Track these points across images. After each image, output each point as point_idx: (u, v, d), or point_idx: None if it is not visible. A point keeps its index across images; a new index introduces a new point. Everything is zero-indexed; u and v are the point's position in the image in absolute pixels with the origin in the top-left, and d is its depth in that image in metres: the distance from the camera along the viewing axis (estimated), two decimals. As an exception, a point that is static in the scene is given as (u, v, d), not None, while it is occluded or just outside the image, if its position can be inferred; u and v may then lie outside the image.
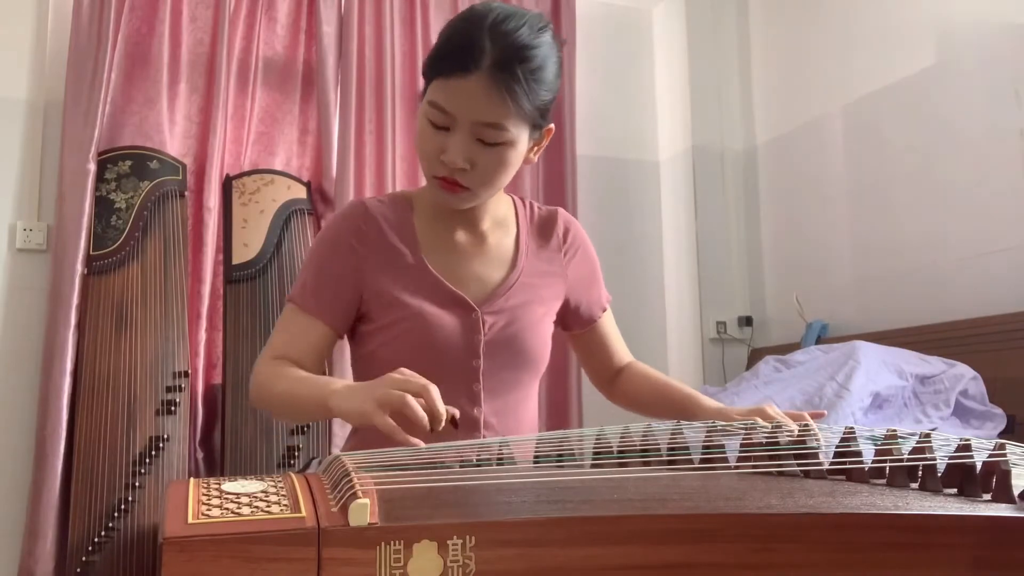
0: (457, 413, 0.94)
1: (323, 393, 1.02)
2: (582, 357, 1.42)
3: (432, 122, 1.11)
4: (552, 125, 1.20)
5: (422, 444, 0.86)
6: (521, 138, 1.13)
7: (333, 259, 1.21)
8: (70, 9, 2.70)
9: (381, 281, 1.20)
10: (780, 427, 0.96)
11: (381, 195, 1.31)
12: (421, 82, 1.19)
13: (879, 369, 2.33)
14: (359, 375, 1.27)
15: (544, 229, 1.32)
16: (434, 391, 0.92)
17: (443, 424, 0.91)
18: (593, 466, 0.85)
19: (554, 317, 1.31)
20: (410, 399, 0.90)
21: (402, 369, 0.96)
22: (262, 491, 0.68)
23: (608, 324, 1.39)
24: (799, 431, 0.95)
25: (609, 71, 3.61)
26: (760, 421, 1.02)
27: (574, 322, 1.36)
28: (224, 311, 2.73)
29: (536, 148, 1.20)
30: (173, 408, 2.55)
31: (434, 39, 1.17)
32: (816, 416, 1.07)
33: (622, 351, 1.40)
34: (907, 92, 2.86)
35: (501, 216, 1.29)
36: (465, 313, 1.21)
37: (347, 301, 1.21)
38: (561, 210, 1.36)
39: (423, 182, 1.26)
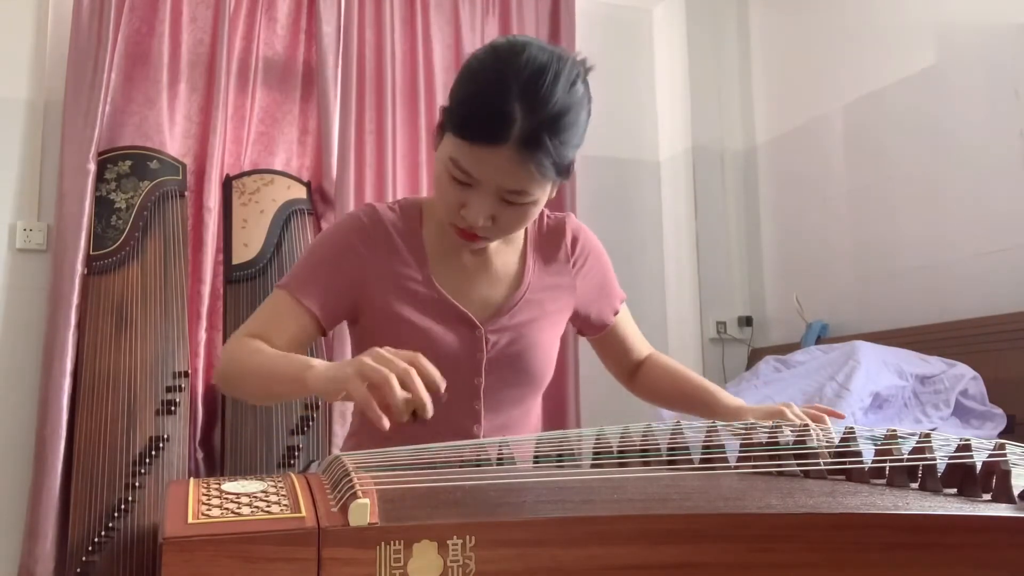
0: (430, 406, 0.88)
1: (300, 367, 0.99)
2: (601, 355, 1.43)
3: (453, 177, 1.07)
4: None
5: (387, 426, 0.84)
6: (544, 194, 1.11)
7: (333, 255, 1.19)
8: (70, 9, 2.70)
9: (383, 292, 1.18)
10: (781, 428, 0.96)
11: (392, 202, 1.26)
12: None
13: (879, 369, 2.33)
14: None
15: (552, 240, 1.29)
16: (417, 378, 0.87)
17: (429, 412, 0.86)
18: (593, 466, 0.84)
19: (562, 330, 1.30)
20: (394, 380, 0.85)
21: (389, 348, 0.91)
22: (262, 491, 0.68)
23: (622, 324, 1.38)
24: (816, 431, 0.94)
25: (609, 71, 3.60)
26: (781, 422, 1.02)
27: (586, 329, 1.37)
28: (224, 311, 2.73)
29: (555, 188, 1.15)
30: (173, 408, 2.55)
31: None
32: (833, 416, 1.08)
33: (640, 345, 1.40)
34: (907, 92, 2.86)
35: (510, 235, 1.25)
36: (468, 331, 1.19)
37: (337, 298, 1.18)
38: (570, 217, 1.32)
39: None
